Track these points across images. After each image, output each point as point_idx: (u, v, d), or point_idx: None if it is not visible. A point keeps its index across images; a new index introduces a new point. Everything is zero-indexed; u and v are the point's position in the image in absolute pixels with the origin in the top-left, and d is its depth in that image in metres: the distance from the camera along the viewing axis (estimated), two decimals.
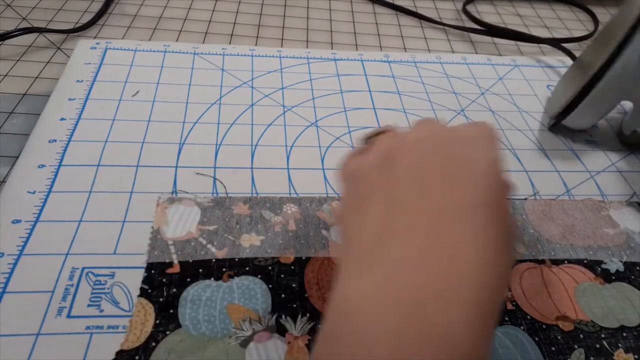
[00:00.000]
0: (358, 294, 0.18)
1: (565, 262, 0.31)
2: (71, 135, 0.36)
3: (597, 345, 0.27)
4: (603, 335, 0.28)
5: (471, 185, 0.20)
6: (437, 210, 0.19)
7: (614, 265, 0.31)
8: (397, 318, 0.17)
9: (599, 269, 0.31)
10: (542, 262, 0.31)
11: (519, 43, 0.55)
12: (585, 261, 0.31)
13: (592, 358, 0.27)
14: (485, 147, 0.21)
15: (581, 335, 0.27)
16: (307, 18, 0.56)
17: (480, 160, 0.20)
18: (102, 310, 0.26)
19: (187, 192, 0.33)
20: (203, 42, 0.50)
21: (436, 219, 0.19)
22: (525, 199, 0.35)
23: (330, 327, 0.18)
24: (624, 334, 0.28)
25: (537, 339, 0.27)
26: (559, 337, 0.27)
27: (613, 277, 0.31)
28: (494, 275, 0.18)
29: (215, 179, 0.34)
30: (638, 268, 0.31)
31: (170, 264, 0.28)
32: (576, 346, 0.27)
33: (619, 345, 0.27)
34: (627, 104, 0.42)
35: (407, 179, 0.21)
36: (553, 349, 0.27)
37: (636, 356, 0.27)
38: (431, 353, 0.16)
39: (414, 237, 0.19)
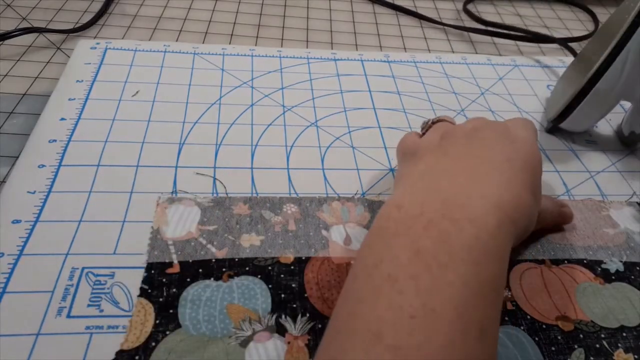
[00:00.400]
0: (399, 197, 0.23)
1: (565, 262, 0.31)
2: (71, 135, 0.36)
3: (597, 345, 0.27)
4: (603, 335, 0.28)
5: (509, 147, 0.25)
6: (477, 159, 0.24)
7: (614, 265, 0.31)
8: (429, 211, 0.21)
9: (599, 269, 0.31)
10: (542, 262, 0.31)
11: (519, 43, 0.56)
12: (585, 261, 0.31)
13: (592, 358, 0.26)
14: (524, 127, 0.27)
15: (581, 335, 0.27)
16: (307, 18, 0.56)
17: (519, 134, 0.26)
18: (102, 310, 0.26)
19: (187, 192, 0.33)
20: (203, 42, 0.50)
21: (474, 164, 0.24)
22: None
23: (380, 222, 0.23)
24: (624, 334, 0.28)
25: (537, 339, 0.27)
26: (559, 337, 0.27)
27: (613, 277, 0.31)
28: (516, 203, 0.22)
29: (215, 179, 0.34)
30: (638, 268, 0.31)
31: (170, 264, 0.28)
32: (576, 346, 0.27)
33: (619, 345, 0.27)
34: (627, 104, 0.42)
35: (456, 145, 0.26)
36: (553, 349, 0.27)
37: (636, 356, 0.27)
38: (456, 237, 0.20)
39: (452, 172, 0.24)
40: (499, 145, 0.25)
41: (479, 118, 0.29)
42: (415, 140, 0.30)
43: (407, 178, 0.26)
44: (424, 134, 0.31)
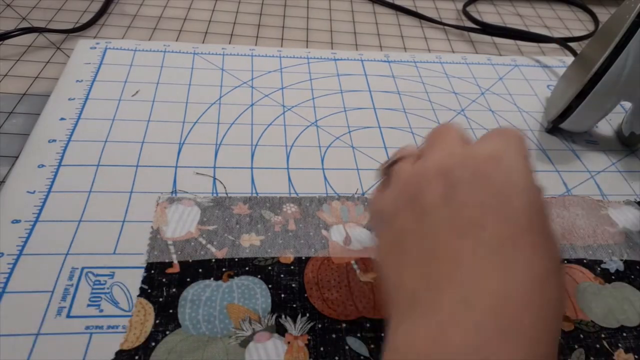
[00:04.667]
0: (418, 341, 0.17)
1: (565, 262, 0.31)
2: (71, 135, 0.36)
3: (597, 345, 0.27)
4: (603, 335, 0.28)
5: (505, 213, 0.18)
6: (477, 248, 0.18)
7: (614, 264, 0.31)
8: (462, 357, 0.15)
9: (599, 268, 0.31)
10: None
11: (519, 43, 0.55)
12: (584, 261, 0.31)
13: (592, 358, 0.26)
14: (512, 159, 0.19)
15: (581, 335, 0.27)
16: (307, 18, 0.56)
17: (506, 173, 0.19)
18: (101, 310, 0.26)
19: (187, 192, 0.33)
20: (203, 42, 0.50)
21: (479, 258, 0.17)
22: None
23: None
24: (624, 334, 0.28)
25: None
26: (560, 337, 0.27)
27: (613, 277, 0.31)
28: (552, 304, 0.17)
29: (215, 178, 0.34)
30: (638, 267, 0.31)
31: (170, 264, 0.28)
32: (576, 346, 0.27)
33: (619, 345, 0.27)
34: (628, 105, 0.42)
35: (437, 218, 0.19)
36: None
37: (636, 356, 0.27)
38: None
39: (454, 290, 0.17)
40: (491, 215, 0.18)
41: (441, 142, 0.22)
42: (378, 202, 0.23)
43: (397, 290, 0.19)
44: (387, 182, 0.24)
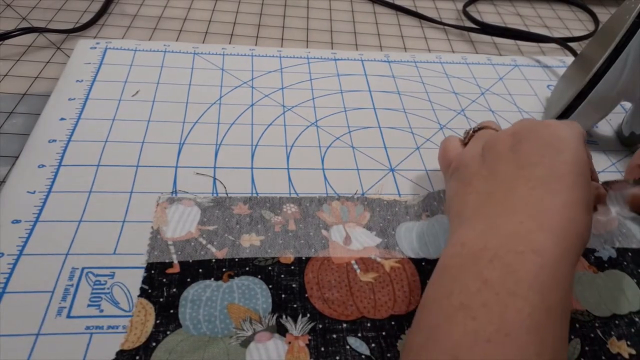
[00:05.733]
0: (460, 235, 0.24)
1: None
2: (71, 135, 0.36)
3: (592, 335, 0.27)
4: (597, 324, 0.28)
5: (556, 159, 0.24)
6: (527, 184, 0.23)
7: (607, 252, 0.32)
8: (492, 246, 0.22)
9: (592, 257, 0.31)
10: None
11: (519, 43, 0.55)
12: None
13: (587, 347, 0.27)
14: (568, 130, 0.26)
15: (577, 325, 0.28)
16: (307, 18, 0.56)
17: (564, 139, 0.25)
18: (102, 311, 0.26)
19: (187, 192, 0.33)
20: (203, 42, 0.50)
21: (527, 192, 0.23)
22: None
23: (446, 260, 0.23)
24: (616, 322, 0.28)
25: None
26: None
27: (606, 265, 0.31)
28: (575, 227, 0.22)
29: (215, 178, 0.34)
30: (630, 254, 0.32)
31: (170, 264, 0.28)
32: (572, 336, 0.27)
33: (612, 333, 0.28)
34: (628, 105, 0.42)
35: (503, 160, 0.26)
36: None
37: (629, 343, 0.27)
38: (521, 271, 0.20)
39: (507, 205, 0.23)
40: (546, 159, 0.24)
41: (522, 121, 0.28)
42: (457, 152, 0.30)
43: (461, 209, 0.26)
44: (466, 143, 0.31)
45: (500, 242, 0.22)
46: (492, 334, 0.19)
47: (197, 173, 0.34)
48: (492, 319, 0.19)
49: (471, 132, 0.31)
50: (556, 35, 0.58)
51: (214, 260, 0.29)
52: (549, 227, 0.22)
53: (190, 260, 0.29)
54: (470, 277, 0.21)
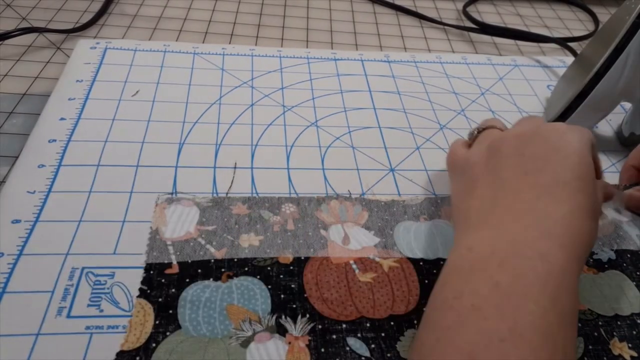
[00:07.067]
0: (467, 240, 0.24)
1: None
2: (71, 135, 0.36)
3: (595, 334, 0.28)
4: (600, 323, 0.28)
5: (561, 164, 0.24)
6: (532, 190, 0.24)
7: (606, 254, 0.32)
8: (500, 251, 0.22)
9: (591, 260, 0.32)
10: None
11: (519, 43, 0.55)
12: None
13: (591, 347, 0.27)
14: (575, 134, 0.25)
15: (579, 324, 0.28)
16: (307, 18, 0.56)
17: (570, 144, 0.25)
18: (102, 311, 0.26)
19: (187, 192, 0.33)
20: (203, 42, 0.50)
21: (532, 198, 0.23)
22: None
23: (453, 262, 0.23)
24: (618, 323, 0.28)
25: None
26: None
27: (606, 266, 0.31)
28: (579, 235, 0.23)
29: (234, 173, 0.34)
30: (629, 255, 0.32)
31: (169, 265, 0.28)
32: None
33: (614, 333, 0.28)
34: (628, 105, 0.42)
35: (508, 164, 0.25)
36: None
37: (630, 345, 0.27)
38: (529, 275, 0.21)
39: (512, 211, 0.23)
40: (551, 165, 0.24)
41: (528, 120, 0.28)
42: (462, 154, 0.30)
43: (466, 215, 0.26)
44: (471, 144, 0.31)
45: (508, 247, 0.22)
46: (506, 333, 0.19)
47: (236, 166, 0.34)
48: (505, 319, 0.19)
49: (476, 132, 0.31)
50: (556, 35, 0.58)
51: (212, 261, 0.29)
52: (554, 235, 0.22)
53: (189, 261, 0.29)
54: (480, 279, 0.21)
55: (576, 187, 0.23)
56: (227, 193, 0.33)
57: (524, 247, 0.22)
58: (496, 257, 0.22)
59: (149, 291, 0.27)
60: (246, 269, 0.29)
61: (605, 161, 0.40)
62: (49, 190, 0.32)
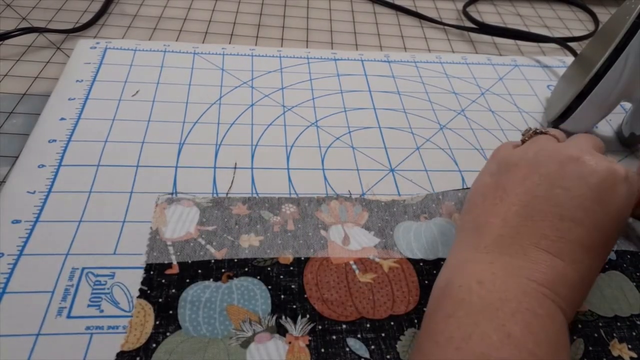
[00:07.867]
0: (478, 273, 0.23)
1: None
2: (71, 135, 0.36)
3: (596, 335, 0.28)
4: (600, 324, 0.28)
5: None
6: (555, 241, 0.24)
7: None
8: (513, 299, 0.22)
9: None
10: None
11: (519, 43, 0.55)
12: None
13: (591, 348, 0.27)
14: (624, 186, 0.25)
15: (579, 325, 0.28)
16: (307, 18, 0.56)
17: (613, 192, 0.25)
18: (102, 311, 0.26)
19: (187, 193, 0.33)
20: (203, 42, 0.50)
21: (554, 248, 0.24)
22: None
23: (461, 295, 0.23)
24: (618, 324, 0.28)
25: None
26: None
27: (606, 266, 0.31)
28: (582, 298, 0.25)
29: (234, 174, 0.34)
30: (629, 256, 0.32)
31: (169, 265, 0.28)
32: (575, 337, 0.27)
33: (614, 335, 0.28)
34: (628, 105, 0.42)
35: (542, 200, 0.25)
36: None
37: (629, 346, 0.27)
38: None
39: (530, 256, 0.24)
40: (589, 220, 0.24)
41: (580, 148, 0.27)
42: (508, 150, 0.29)
43: (482, 230, 0.26)
44: (523, 141, 0.30)
45: (520, 297, 0.22)
46: None
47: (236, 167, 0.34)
48: None
49: (532, 132, 0.30)
50: (556, 35, 0.58)
51: (213, 261, 0.29)
52: (561, 296, 0.23)
53: (189, 261, 0.29)
54: (492, 326, 0.21)
55: (602, 251, 0.25)
56: (227, 193, 0.33)
57: (535, 302, 0.22)
58: (509, 305, 0.22)
59: (149, 291, 0.27)
60: (246, 269, 0.29)
61: None
62: (49, 191, 0.32)
